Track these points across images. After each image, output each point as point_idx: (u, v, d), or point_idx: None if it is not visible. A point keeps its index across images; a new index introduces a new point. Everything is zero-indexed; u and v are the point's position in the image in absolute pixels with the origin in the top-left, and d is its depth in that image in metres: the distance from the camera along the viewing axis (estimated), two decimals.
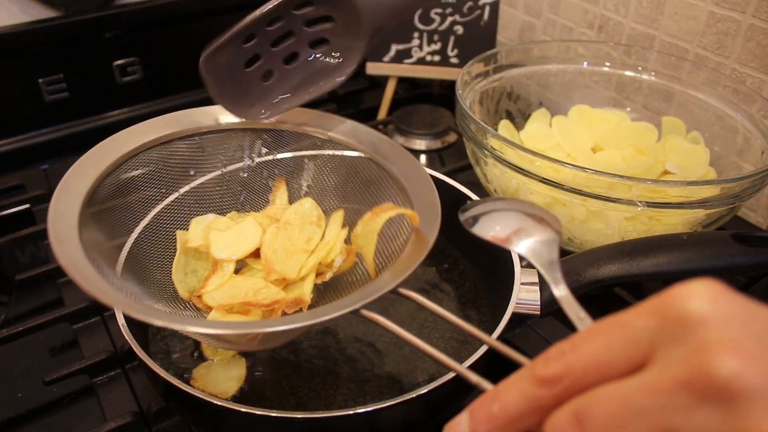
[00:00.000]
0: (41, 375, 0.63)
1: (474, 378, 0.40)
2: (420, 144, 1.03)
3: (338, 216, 0.59)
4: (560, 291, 0.42)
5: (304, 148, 0.65)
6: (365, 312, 0.46)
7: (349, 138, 0.63)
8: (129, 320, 0.56)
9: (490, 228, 0.48)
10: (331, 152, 0.63)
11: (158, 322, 0.45)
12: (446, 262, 0.73)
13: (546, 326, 0.69)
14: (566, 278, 0.59)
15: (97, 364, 0.65)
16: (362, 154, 0.62)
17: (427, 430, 0.57)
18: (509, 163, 0.71)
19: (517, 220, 0.47)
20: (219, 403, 0.49)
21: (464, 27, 1.02)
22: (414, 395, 0.50)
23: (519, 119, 0.93)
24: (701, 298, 0.29)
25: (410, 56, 1.03)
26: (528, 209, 0.48)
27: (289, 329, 0.46)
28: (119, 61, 0.99)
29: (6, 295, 0.76)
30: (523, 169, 0.70)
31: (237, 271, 0.59)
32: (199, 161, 0.62)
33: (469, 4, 1.01)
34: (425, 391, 0.50)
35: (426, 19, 1.01)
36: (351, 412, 0.49)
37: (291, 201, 0.64)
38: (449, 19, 1.02)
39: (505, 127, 0.89)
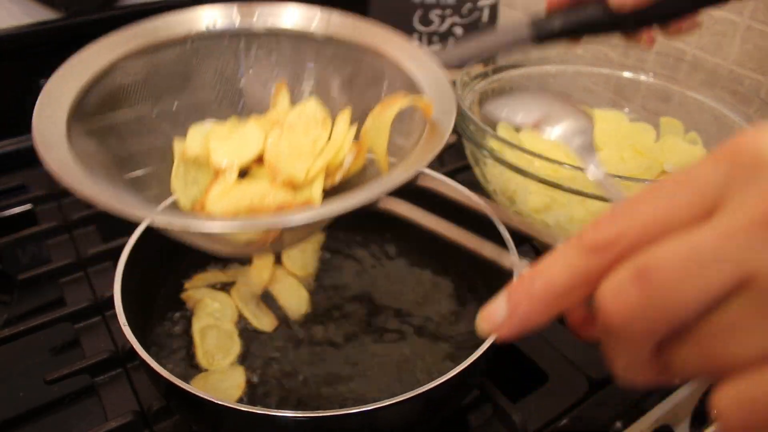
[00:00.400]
0: (42, 374, 0.63)
1: (508, 260, 0.35)
2: None
3: (345, 115, 0.55)
4: (597, 174, 0.38)
5: (303, 49, 0.60)
6: (384, 204, 0.42)
7: (351, 32, 0.58)
8: (130, 319, 0.56)
9: (517, 114, 0.45)
10: (333, 50, 0.59)
11: (161, 220, 0.42)
12: (444, 261, 0.74)
13: (547, 326, 0.69)
14: None
15: (99, 364, 0.65)
16: (367, 47, 0.57)
17: (427, 429, 0.58)
18: (508, 163, 0.71)
19: (545, 105, 0.44)
20: (220, 403, 0.49)
21: (464, 28, 1.03)
22: (414, 394, 0.50)
23: None
24: None
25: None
26: (557, 95, 0.45)
27: (305, 222, 0.42)
28: None
29: (7, 295, 0.77)
30: (522, 170, 0.70)
31: (242, 179, 0.55)
32: (193, 68, 0.58)
33: (469, 5, 1.01)
34: (425, 389, 0.50)
35: (426, 21, 1.01)
36: (351, 412, 0.49)
37: (293, 105, 0.59)
38: (448, 20, 1.02)
39: (504, 127, 0.89)
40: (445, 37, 1.03)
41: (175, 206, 0.56)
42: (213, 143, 0.53)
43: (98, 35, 0.95)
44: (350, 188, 0.52)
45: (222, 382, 0.61)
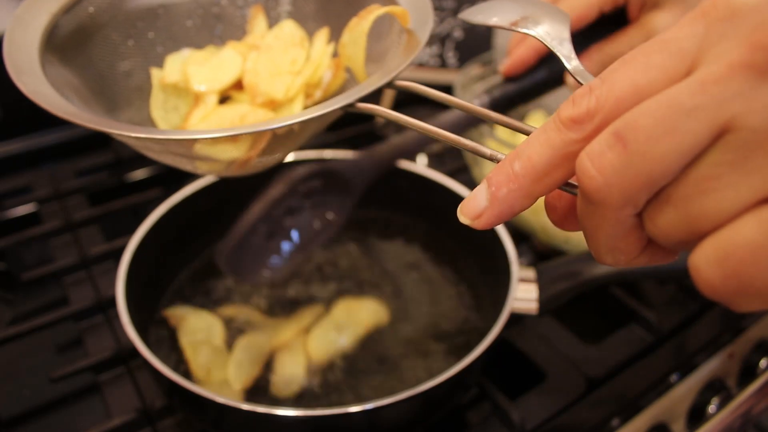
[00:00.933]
0: (47, 372, 0.64)
1: (487, 151, 0.35)
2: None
3: (323, 33, 0.55)
4: (572, 65, 0.38)
5: None
6: (361, 105, 0.42)
7: None
8: (133, 318, 0.57)
9: (492, 16, 0.44)
10: None
11: (140, 135, 0.41)
12: (444, 260, 0.74)
13: (543, 325, 0.70)
14: (564, 278, 0.60)
15: (102, 362, 0.66)
16: None
17: (426, 427, 0.58)
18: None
19: (523, 7, 0.43)
20: (222, 401, 0.50)
21: (463, 30, 1.03)
22: (413, 393, 0.51)
23: (517, 119, 0.94)
24: None
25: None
26: (532, 1, 0.44)
27: (285, 125, 0.41)
28: None
29: (12, 294, 0.77)
30: None
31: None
32: None
33: (467, 7, 1.02)
34: (425, 388, 0.51)
35: None
36: (351, 410, 0.50)
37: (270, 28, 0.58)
38: (447, 22, 1.02)
39: (502, 128, 0.89)
40: (444, 39, 1.03)
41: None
42: (191, 69, 0.52)
43: None
44: None
45: (221, 390, 0.61)
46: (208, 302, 0.69)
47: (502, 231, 0.65)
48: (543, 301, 0.59)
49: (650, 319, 0.69)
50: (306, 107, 0.51)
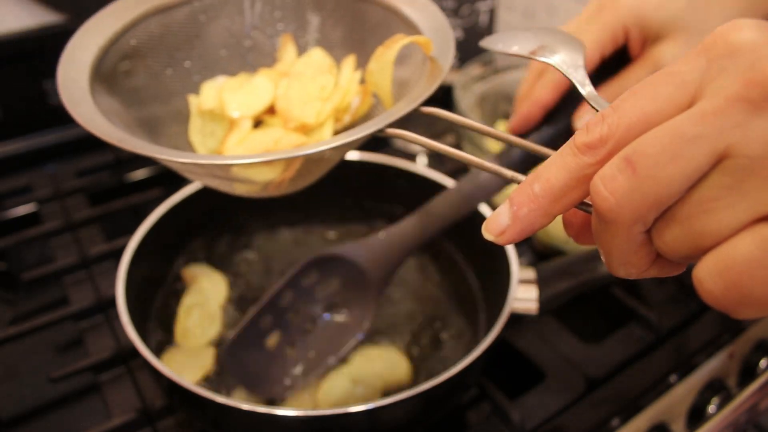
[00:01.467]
0: (47, 372, 0.64)
1: (508, 173, 0.37)
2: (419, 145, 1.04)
3: (350, 61, 0.57)
4: (586, 90, 0.41)
5: (305, 2, 0.61)
6: (390, 130, 0.45)
7: None
8: (134, 318, 0.57)
9: (512, 44, 0.47)
10: (334, 1, 0.60)
11: (189, 160, 0.45)
12: (444, 261, 0.74)
13: (543, 325, 0.70)
14: (564, 278, 0.60)
15: (102, 362, 0.66)
16: None
17: (426, 427, 0.58)
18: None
19: (540, 37, 0.46)
20: (221, 401, 0.50)
21: (462, 30, 1.03)
22: (413, 393, 0.51)
23: None
24: (748, 29, 0.28)
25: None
26: (550, 30, 0.47)
27: (321, 150, 0.44)
28: None
29: (12, 294, 0.77)
30: None
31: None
32: (201, 27, 0.59)
33: (468, 8, 1.02)
34: (424, 389, 0.51)
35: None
36: (352, 411, 0.50)
37: (300, 56, 0.61)
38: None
39: (503, 127, 0.89)
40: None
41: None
42: (226, 96, 0.55)
43: None
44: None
45: (189, 360, 0.61)
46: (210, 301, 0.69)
47: None
48: (543, 301, 0.59)
49: (650, 318, 0.69)
50: (335, 131, 0.54)
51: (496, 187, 0.61)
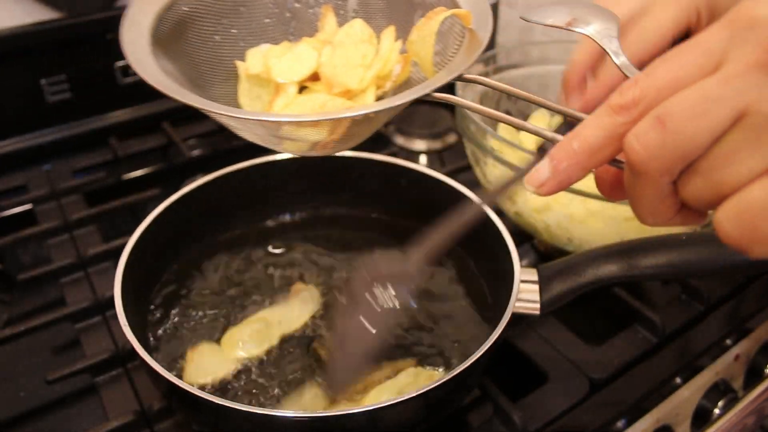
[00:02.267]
0: (43, 374, 0.63)
1: (548, 134, 0.42)
2: (420, 144, 1.04)
3: (390, 31, 0.60)
4: (620, 60, 0.45)
5: None
6: (437, 94, 0.48)
7: None
8: (131, 319, 0.56)
9: (547, 17, 0.50)
10: None
11: (250, 114, 0.50)
12: (446, 262, 0.74)
13: (545, 326, 0.70)
14: (567, 279, 0.60)
15: (99, 364, 0.65)
16: None
17: (428, 428, 0.58)
18: (509, 163, 0.71)
19: (575, 9, 0.50)
20: (220, 402, 0.49)
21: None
22: (414, 394, 0.50)
23: (518, 119, 0.93)
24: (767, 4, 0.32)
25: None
26: (584, 3, 0.51)
27: (372, 112, 0.49)
28: (121, 62, 0.99)
29: (8, 295, 0.77)
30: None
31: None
32: None
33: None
34: (425, 390, 0.50)
35: None
36: (352, 412, 0.49)
37: (340, 26, 0.63)
38: (449, 19, 1.02)
39: (504, 127, 0.89)
40: (445, 36, 1.03)
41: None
42: (272, 62, 0.58)
43: (99, 35, 0.96)
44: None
45: (215, 358, 0.61)
46: (208, 302, 0.69)
47: (504, 231, 0.64)
48: (545, 302, 0.59)
49: (654, 320, 0.68)
50: (377, 97, 0.57)
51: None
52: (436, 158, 1.02)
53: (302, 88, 0.58)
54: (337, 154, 0.76)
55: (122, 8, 0.94)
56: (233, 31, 0.62)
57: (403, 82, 0.59)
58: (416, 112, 1.08)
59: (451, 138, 1.05)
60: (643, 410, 0.64)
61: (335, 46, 0.58)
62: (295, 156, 0.76)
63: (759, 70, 0.30)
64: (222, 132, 1.04)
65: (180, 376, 0.60)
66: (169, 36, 0.56)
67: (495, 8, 1.01)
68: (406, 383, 0.61)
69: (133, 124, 1.02)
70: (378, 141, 1.06)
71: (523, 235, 0.80)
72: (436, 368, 0.62)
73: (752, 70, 0.31)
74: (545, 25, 0.49)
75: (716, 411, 0.67)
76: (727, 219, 0.32)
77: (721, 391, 0.68)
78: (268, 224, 0.79)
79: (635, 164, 0.34)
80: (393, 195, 0.77)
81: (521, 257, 0.62)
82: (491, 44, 1.03)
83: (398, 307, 0.53)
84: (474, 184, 0.76)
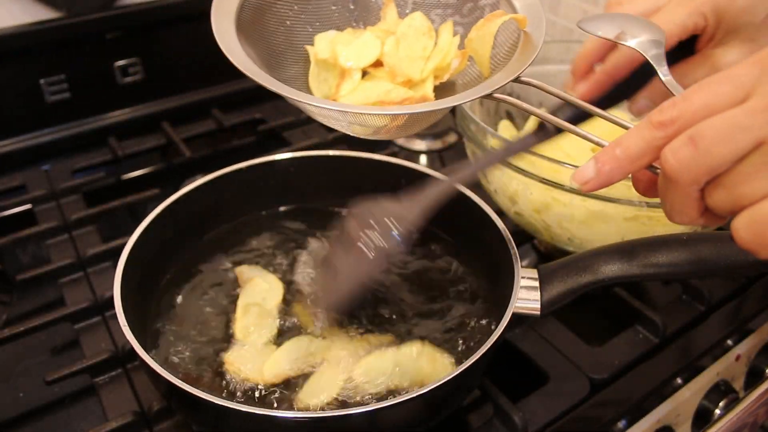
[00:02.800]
0: (42, 375, 0.63)
1: (594, 138, 0.48)
2: (420, 144, 1.03)
3: (448, 26, 0.64)
4: (665, 76, 0.50)
5: None
6: (497, 95, 0.54)
7: None
8: (130, 319, 0.56)
9: (599, 28, 0.55)
10: None
11: (324, 102, 0.55)
12: (447, 263, 0.74)
13: (546, 326, 0.70)
14: (567, 279, 0.59)
15: (99, 364, 0.65)
16: None
17: (428, 429, 0.58)
18: (509, 163, 0.71)
19: (624, 22, 0.54)
20: (220, 403, 0.49)
21: (464, 28, 1.02)
22: (414, 395, 0.50)
23: (519, 119, 0.93)
24: None
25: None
26: (633, 17, 0.55)
27: (443, 107, 0.54)
28: (120, 62, 0.99)
29: (7, 295, 0.77)
30: (523, 170, 0.70)
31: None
32: None
33: (469, 5, 1.01)
34: (425, 391, 0.50)
35: None
36: (352, 412, 0.49)
37: (400, 16, 0.67)
38: (449, 20, 1.02)
39: (505, 127, 0.89)
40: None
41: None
42: (339, 48, 0.62)
43: (98, 35, 0.96)
44: (453, 87, 0.64)
45: (256, 357, 0.61)
46: (209, 302, 0.68)
47: (505, 231, 0.64)
48: (545, 302, 0.59)
49: (655, 320, 0.68)
50: (435, 86, 0.62)
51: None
52: (436, 158, 1.02)
53: (364, 74, 0.62)
54: (338, 154, 0.77)
55: (122, 8, 0.94)
56: (302, 16, 0.66)
57: (458, 73, 0.64)
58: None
59: (451, 138, 1.05)
60: (643, 411, 0.64)
61: (399, 37, 0.62)
62: (295, 156, 0.77)
63: None
64: (222, 132, 1.04)
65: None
66: (249, 22, 0.61)
67: (495, 8, 1.01)
68: (406, 355, 0.61)
69: (133, 124, 1.02)
70: (378, 141, 1.06)
71: (524, 235, 0.79)
72: (444, 353, 0.62)
73: None
74: (597, 35, 0.54)
75: (717, 411, 0.67)
76: (742, 226, 0.38)
77: (722, 391, 0.68)
78: (268, 224, 0.78)
79: (669, 174, 0.40)
80: (393, 195, 0.77)
81: (521, 257, 0.62)
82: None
83: (386, 246, 0.57)
84: (474, 184, 0.76)
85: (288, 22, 0.65)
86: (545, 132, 0.56)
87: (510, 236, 0.63)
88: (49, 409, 0.64)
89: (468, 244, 0.72)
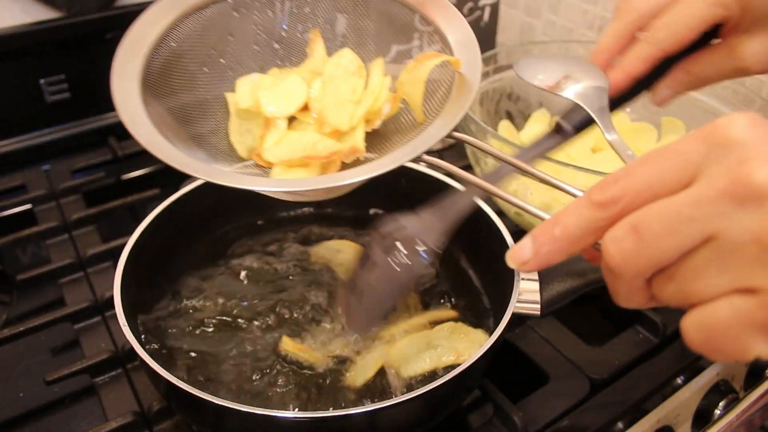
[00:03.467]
0: (42, 375, 0.63)
1: (533, 209, 0.45)
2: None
3: (378, 64, 0.60)
4: (611, 136, 0.46)
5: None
6: (427, 158, 0.50)
7: None
8: (130, 320, 0.56)
9: (537, 74, 0.51)
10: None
11: (253, 186, 0.50)
12: (447, 263, 0.73)
13: (546, 326, 0.70)
14: (567, 279, 0.59)
15: (98, 364, 0.65)
16: None
17: (428, 429, 0.58)
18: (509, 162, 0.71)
19: (565, 66, 0.50)
20: (220, 403, 0.49)
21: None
22: (415, 395, 0.50)
23: (519, 120, 0.93)
24: (742, 125, 0.34)
25: (410, 57, 1.03)
26: (575, 59, 0.52)
27: (365, 179, 0.50)
28: None
29: (7, 295, 0.77)
30: (523, 169, 0.70)
31: (288, 124, 0.59)
32: (234, 24, 0.61)
33: (470, 5, 1.01)
34: (426, 390, 0.50)
35: (427, 20, 1.01)
36: (352, 412, 0.49)
37: (328, 53, 0.63)
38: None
39: (505, 127, 0.89)
40: (445, 36, 1.02)
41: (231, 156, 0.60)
42: (262, 95, 0.58)
43: (98, 35, 0.96)
44: (387, 133, 0.60)
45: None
46: (208, 303, 0.68)
47: (504, 231, 0.64)
48: (545, 302, 0.59)
49: (655, 320, 0.68)
50: (366, 133, 0.58)
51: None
52: (436, 158, 1.01)
53: (293, 119, 0.59)
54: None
55: (121, 8, 0.94)
56: (222, 60, 0.61)
57: (391, 116, 0.60)
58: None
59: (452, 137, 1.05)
60: (643, 411, 0.64)
61: (325, 80, 0.59)
62: None
63: (728, 198, 0.32)
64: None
65: None
66: (158, 77, 0.56)
67: (495, 8, 1.01)
68: (438, 337, 0.62)
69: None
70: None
71: (524, 235, 0.79)
72: (478, 328, 0.63)
73: (722, 196, 0.33)
74: (533, 85, 0.50)
75: (717, 411, 0.67)
76: (692, 327, 0.35)
77: (722, 391, 0.68)
78: (268, 224, 0.78)
79: (611, 266, 0.37)
80: (393, 195, 0.77)
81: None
82: (492, 44, 1.03)
83: (411, 263, 0.55)
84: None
85: (206, 69, 0.60)
86: (564, 134, 0.54)
87: (510, 236, 0.63)
88: (49, 409, 0.64)
89: (468, 245, 0.72)
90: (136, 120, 0.51)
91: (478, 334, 0.62)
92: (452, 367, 0.56)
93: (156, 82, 0.55)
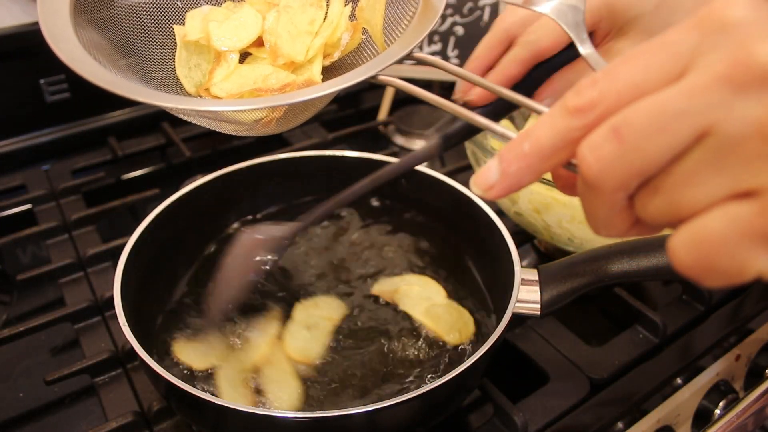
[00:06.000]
0: (42, 375, 0.63)
1: (499, 129, 0.39)
2: (420, 144, 1.03)
3: None
4: (586, 49, 0.41)
5: None
6: (383, 77, 0.44)
7: None
8: (130, 320, 0.56)
9: None
10: None
11: (171, 105, 0.45)
12: (446, 263, 0.74)
13: (546, 326, 0.69)
14: (567, 279, 0.59)
15: (98, 364, 0.65)
16: None
17: (428, 429, 0.58)
18: None
19: None
20: (220, 403, 0.49)
21: (464, 28, 1.02)
22: (415, 395, 0.50)
23: (519, 119, 0.93)
24: (741, 5, 0.29)
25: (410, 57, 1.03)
26: None
27: (309, 99, 0.44)
28: (120, 63, 0.98)
29: (7, 295, 0.77)
30: None
31: (241, 62, 0.56)
32: None
33: (470, 5, 1.01)
34: (426, 390, 0.50)
35: None
36: (352, 412, 0.49)
37: None
38: (449, 19, 1.02)
39: (505, 127, 0.89)
40: (445, 36, 1.03)
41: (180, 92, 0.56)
42: (212, 27, 0.54)
43: None
44: (347, 67, 0.54)
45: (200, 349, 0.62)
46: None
47: (504, 231, 0.64)
48: (545, 302, 0.59)
49: (655, 320, 0.68)
50: (324, 67, 0.53)
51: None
52: (436, 158, 1.02)
53: (246, 56, 0.55)
54: (338, 154, 0.77)
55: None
56: None
57: (353, 50, 0.55)
58: (416, 111, 1.08)
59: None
60: (643, 411, 0.63)
61: (281, 10, 0.54)
62: (295, 156, 0.77)
63: (726, 84, 0.28)
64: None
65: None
66: (95, 1, 0.51)
67: (495, 8, 1.01)
68: (303, 317, 0.64)
69: (132, 124, 1.02)
70: (378, 141, 1.06)
71: (524, 235, 0.79)
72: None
73: (718, 83, 0.28)
74: (503, 1, 0.45)
75: (717, 411, 0.67)
76: (682, 246, 0.29)
77: (722, 391, 0.68)
78: (268, 224, 0.78)
79: (588, 178, 0.31)
80: (392, 195, 0.77)
81: (521, 257, 0.62)
82: None
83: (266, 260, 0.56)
84: None
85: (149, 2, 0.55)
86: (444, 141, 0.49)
87: (510, 236, 0.63)
88: (49, 409, 0.64)
89: (467, 244, 0.72)
90: (59, 36, 0.47)
91: (325, 299, 0.65)
92: None
93: (95, 9, 0.52)
